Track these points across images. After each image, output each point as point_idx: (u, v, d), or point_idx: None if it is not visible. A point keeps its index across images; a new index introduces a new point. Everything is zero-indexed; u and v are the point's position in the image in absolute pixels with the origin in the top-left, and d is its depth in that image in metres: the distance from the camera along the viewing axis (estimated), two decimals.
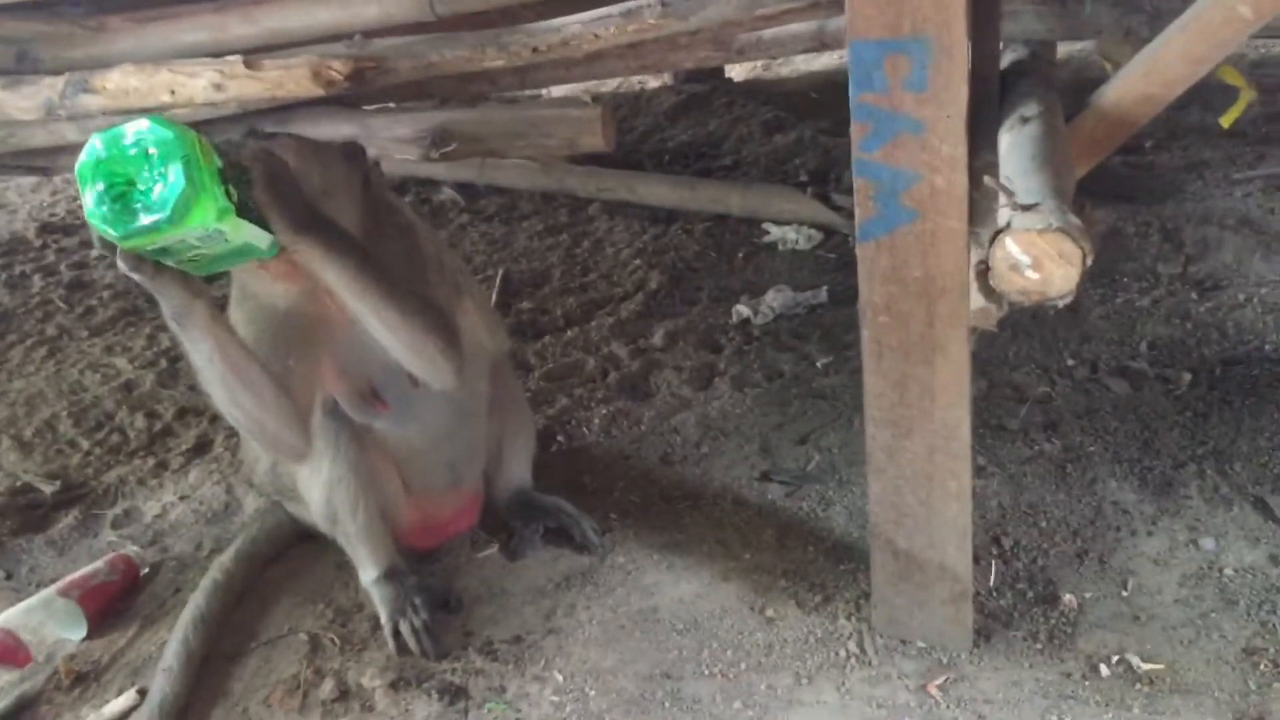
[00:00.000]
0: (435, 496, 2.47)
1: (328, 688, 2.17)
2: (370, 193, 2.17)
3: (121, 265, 1.75)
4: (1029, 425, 2.68)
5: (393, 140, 2.30)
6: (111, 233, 1.68)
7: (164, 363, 3.55)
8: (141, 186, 1.65)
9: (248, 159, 1.82)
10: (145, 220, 1.65)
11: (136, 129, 1.67)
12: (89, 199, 1.67)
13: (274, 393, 2.03)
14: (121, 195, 1.66)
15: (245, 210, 1.74)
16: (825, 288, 3.48)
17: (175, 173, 1.64)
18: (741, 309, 3.40)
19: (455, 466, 2.47)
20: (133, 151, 1.66)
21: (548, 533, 2.52)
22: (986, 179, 1.55)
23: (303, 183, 1.93)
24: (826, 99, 5.06)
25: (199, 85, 2.07)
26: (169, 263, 1.78)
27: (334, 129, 2.31)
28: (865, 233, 1.81)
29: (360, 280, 1.97)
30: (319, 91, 2.06)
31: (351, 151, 2.12)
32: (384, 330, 2.05)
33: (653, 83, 5.88)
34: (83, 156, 1.68)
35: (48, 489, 2.92)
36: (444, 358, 2.12)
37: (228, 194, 1.70)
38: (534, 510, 2.55)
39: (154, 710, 2.11)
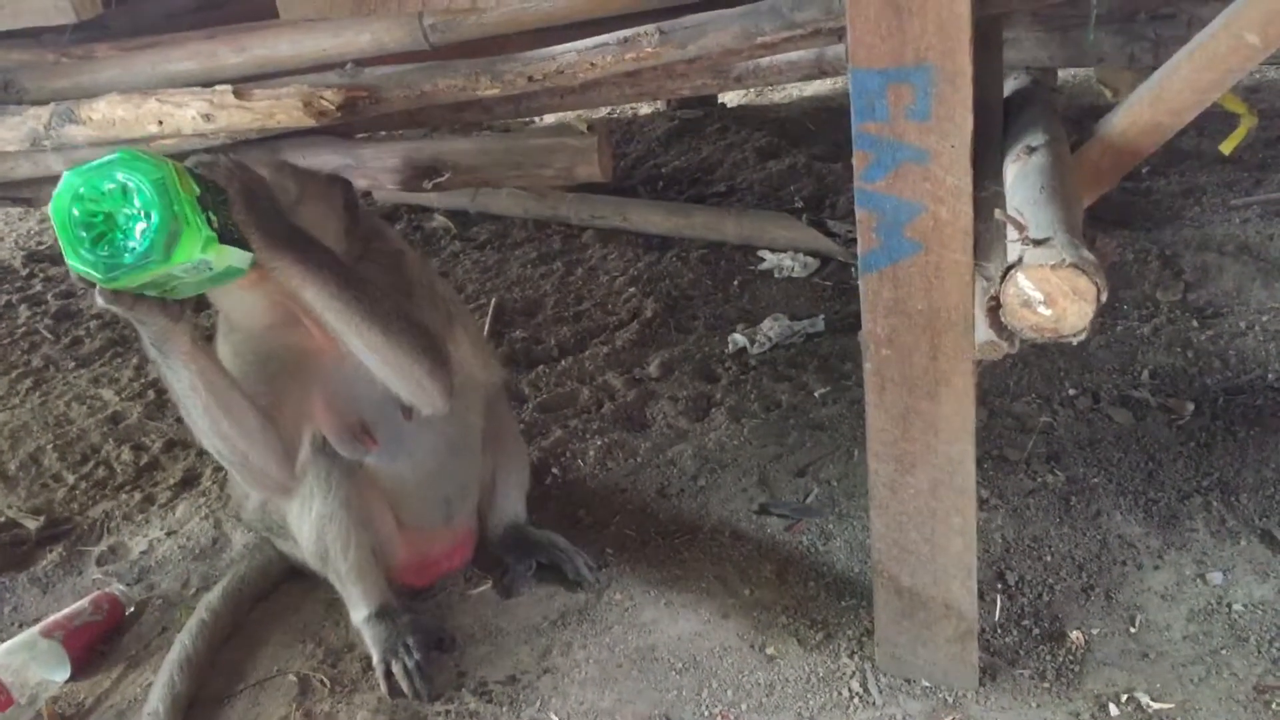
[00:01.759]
0: (428, 533, 2.42)
1: None
2: (355, 215, 2.13)
3: (99, 301, 1.69)
4: (1032, 456, 2.64)
5: (384, 171, 2.26)
6: (95, 275, 1.62)
7: (151, 394, 3.50)
8: (122, 225, 1.60)
9: (222, 177, 1.77)
10: (129, 261, 1.60)
11: (111, 163, 1.61)
12: (67, 241, 1.61)
13: (259, 424, 1.97)
14: (101, 235, 1.60)
15: (225, 234, 1.69)
16: (822, 316, 3.44)
17: (156, 209, 1.59)
18: (738, 338, 3.36)
19: (449, 502, 2.42)
20: (109, 187, 1.60)
21: (541, 569, 2.47)
22: (997, 212, 1.51)
23: (280, 196, 1.89)
24: (821, 124, 5.04)
25: (187, 115, 2.03)
26: (149, 293, 1.73)
27: (324, 159, 2.27)
28: (868, 264, 1.77)
29: (341, 298, 1.89)
30: (310, 122, 2.02)
31: (333, 175, 2.08)
32: (367, 351, 1.97)
33: (645, 109, 5.87)
34: (57, 193, 1.61)
35: (32, 525, 2.87)
36: (431, 379, 2.03)
37: (209, 221, 1.64)
38: (527, 546, 2.50)
39: None
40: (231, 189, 1.76)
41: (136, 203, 1.59)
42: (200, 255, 1.63)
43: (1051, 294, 1.41)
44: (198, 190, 1.65)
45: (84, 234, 1.60)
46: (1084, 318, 1.41)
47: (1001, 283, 1.44)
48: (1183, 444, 2.62)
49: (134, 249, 1.59)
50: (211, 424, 1.93)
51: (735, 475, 2.75)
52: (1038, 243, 1.42)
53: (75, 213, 1.61)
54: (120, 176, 1.60)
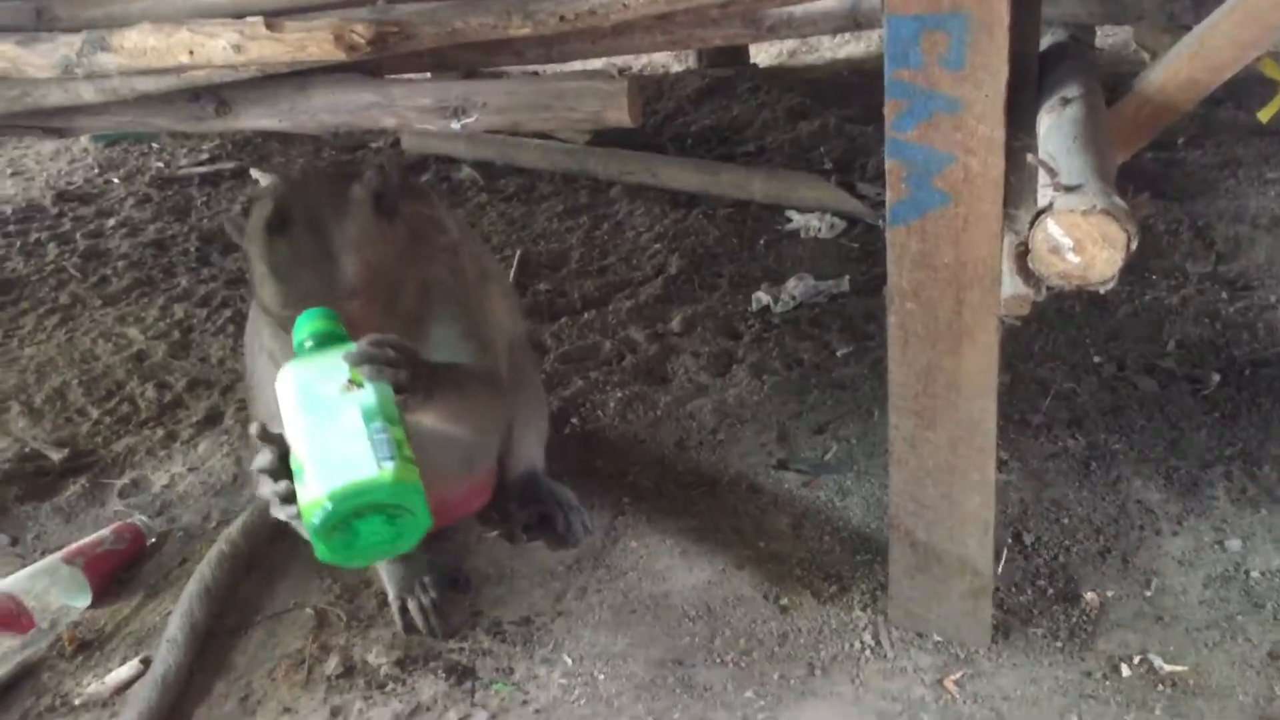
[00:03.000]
0: (447, 477, 2.43)
1: (333, 664, 2.14)
2: (403, 221, 2.05)
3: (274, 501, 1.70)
4: (1053, 421, 2.63)
5: (414, 110, 2.25)
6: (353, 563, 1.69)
7: (176, 334, 3.52)
8: (373, 536, 1.60)
9: (404, 368, 1.73)
10: (384, 555, 1.69)
11: (368, 489, 1.55)
12: (318, 547, 1.59)
13: None
14: (353, 543, 1.60)
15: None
16: (847, 277, 3.43)
17: (411, 521, 1.60)
18: (761, 296, 3.35)
19: (469, 448, 2.42)
20: (367, 511, 1.57)
21: (543, 520, 2.47)
22: (1029, 156, 1.50)
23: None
24: (854, 86, 4.99)
25: (218, 46, 2.02)
26: None
27: (354, 97, 2.26)
28: (895, 216, 1.76)
29: (455, 413, 1.98)
30: (340, 55, 2.01)
31: (379, 197, 1.97)
32: (452, 429, 2.04)
33: (677, 67, 5.84)
34: (318, 519, 1.55)
35: (56, 456, 2.90)
36: (496, 424, 2.27)
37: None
38: (535, 496, 2.50)
39: (157, 681, 2.08)
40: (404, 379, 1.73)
41: (394, 524, 1.60)
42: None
43: (1081, 240, 1.39)
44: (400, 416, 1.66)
45: (338, 544, 1.59)
46: (1113, 265, 1.39)
47: (1030, 228, 1.42)
48: (1206, 413, 2.60)
49: (389, 547, 1.64)
50: None
51: (754, 430, 2.75)
52: (1069, 189, 1.41)
53: (332, 530, 1.58)
54: (377, 503, 1.57)
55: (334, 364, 1.67)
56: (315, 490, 1.55)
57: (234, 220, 1.99)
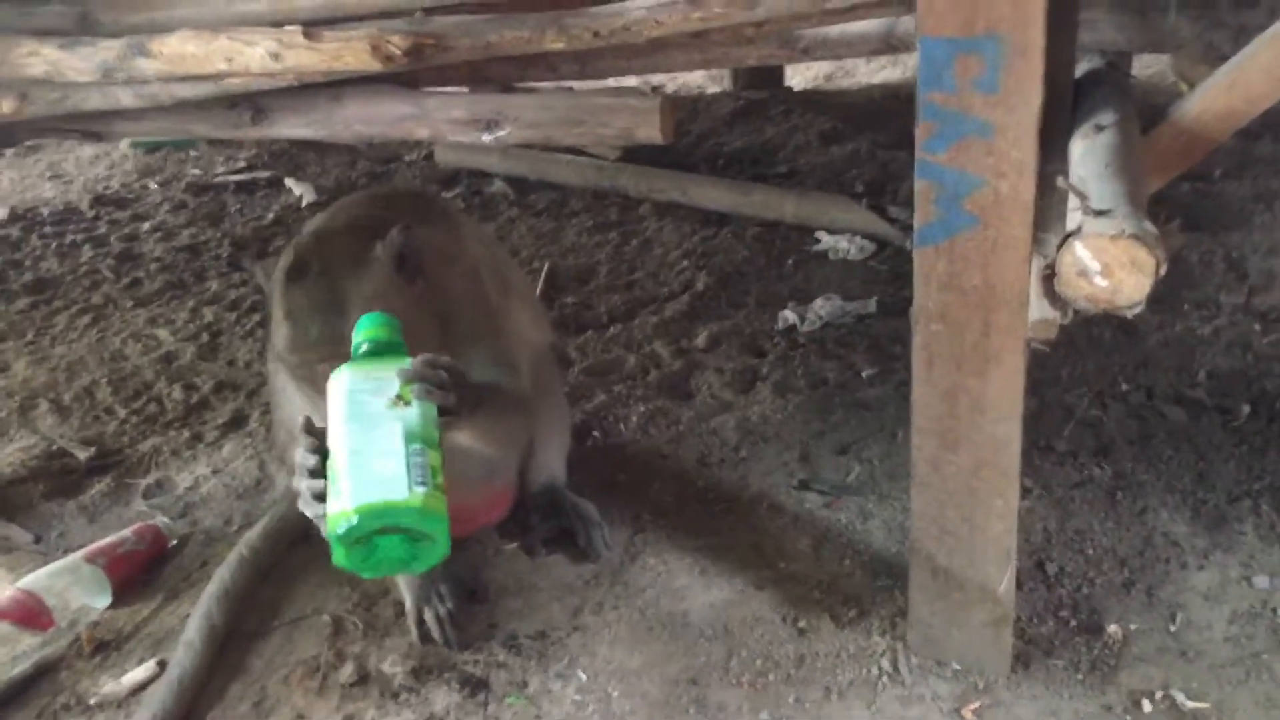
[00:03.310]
0: (467, 488, 2.43)
1: (348, 671, 2.14)
2: (423, 276, 2.07)
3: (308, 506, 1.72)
4: (1079, 448, 2.61)
5: (448, 122, 2.26)
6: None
7: (205, 336, 3.55)
8: (396, 551, 1.62)
9: (454, 408, 1.76)
10: (407, 570, 1.69)
11: (395, 512, 1.57)
12: (341, 559, 1.61)
13: None
14: (376, 556, 1.62)
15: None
16: (875, 298, 3.41)
17: (430, 547, 1.62)
18: (788, 315, 3.34)
19: (490, 462, 2.43)
20: (391, 530, 1.59)
21: (563, 534, 2.46)
22: (1060, 180, 1.49)
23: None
24: (888, 112, 4.98)
25: (256, 54, 2.04)
26: None
27: (389, 108, 2.28)
28: (923, 237, 1.75)
29: (487, 433, 2.13)
30: (376, 66, 2.03)
31: (401, 258, 2.00)
32: (479, 446, 2.18)
33: (712, 88, 5.85)
34: (340, 532, 1.57)
35: (82, 455, 2.92)
36: (516, 447, 2.38)
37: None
38: (554, 509, 2.50)
39: (173, 683, 2.09)
40: (452, 404, 1.75)
41: (417, 544, 1.61)
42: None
43: (1109, 265, 1.38)
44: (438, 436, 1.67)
45: (359, 554, 1.61)
46: (1140, 291, 1.38)
47: (1058, 251, 1.41)
48: (1236, 445, 2.57)
49: (411, 565, 1.65)
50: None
51: (777, 449, 2.74)
52: (1099, 213, 1.39)
53: (357, 546, 1.60)
54: (403, 523, 1.58)
55: (387, 376, 1.68)
56: (345, 501, 1.57)
57: (265, 267, 2.09)
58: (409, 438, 1.61)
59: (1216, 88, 1.69)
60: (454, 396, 1.73)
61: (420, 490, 1.57)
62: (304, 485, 1.70)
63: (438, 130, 2.27)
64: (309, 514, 1.71)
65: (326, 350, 1.86)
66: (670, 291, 3.61)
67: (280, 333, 1.94)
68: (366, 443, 1.61)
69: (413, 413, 1.65)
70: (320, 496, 1.64)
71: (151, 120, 2.41)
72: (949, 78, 1.63)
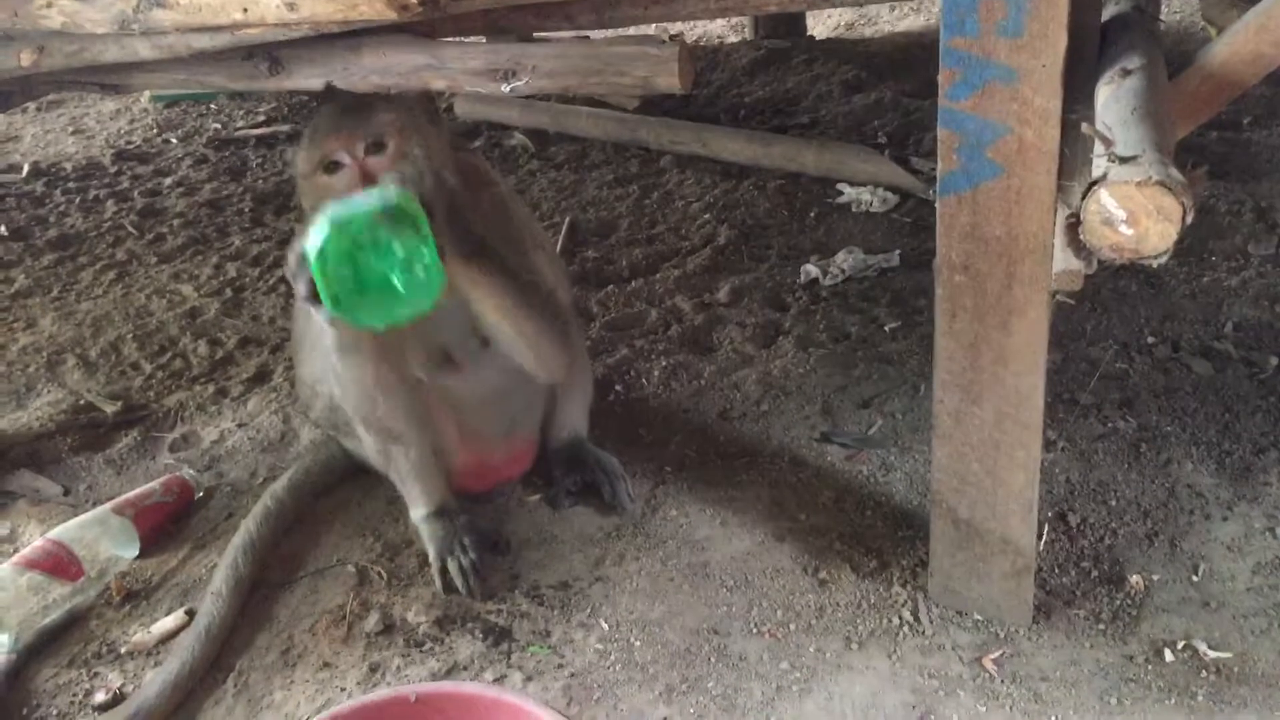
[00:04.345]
0: (490, 442, 2.45)
1: (373, 620, 2.16)
2: (456, 156, 2.15)
3: (300, 291, 1.78)
4: (1103, 401, 2.59)
5: (465, 73, 2.24)
6: (372, 325, 1.73)
7: (229, 292, 3.57)
8: (391, 279, 1.64)
9: (431, 195, 1.81)
10: (399, 313, 1.70)
11: (370, 212, 1.64)
12: (328, 290, 1.65)
13: (406, 400, 2.22)
14: (367, 287, 1.65)
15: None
16: (898, 251, 3.39)
17: (421, 262, 1.64)
18: (810, 268, 3.33)
19: (513, 415, 2.44)
20: (367, 237, 1.63)
21: (587, 487, 2.47)
22: (1084, 125, 1.46)
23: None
24: (911, 58, 4.92)
25: (271, 4, 2.02)
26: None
27: (405, 58, 2.26)
28: (946, 187, 1.73)
29: (507, 301, 2.06)
30: (392, 15, 2.01)
31: (434, 115, 2.12)
32: (513, 336, 2.14)
33: (732, 38, 5.79)
34: (319, 244, 1.63)
35: (109, 409, 2.95)
36: (556, 361, 2.24)
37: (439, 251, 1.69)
38: (579, 463, 2.51)
39: (201, 632, 2.12)
40: (438, 208, 1.80)
41: (401, 254, 1.63)
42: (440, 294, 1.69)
43: (1134, 212, 1.36)
44: (424, 217, 1.69)
45: (349, 283, 1.64)
46: (1166, 239, 1.36)
47: (1083, 199, 1.39)
48: (1263, 398, 2.55)
49: (403, 301, 1.67)
50: (371, 407, 2.21)
51: (799, 403, 2.74)
52: (1124, 160, 1.37)
53: (338, 265, 1.64)
54: (378, 221, 1.63)
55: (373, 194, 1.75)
56: (320, 227, 1.65)
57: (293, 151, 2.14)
58: (384, 193, 1.71)
59: (1245, 31, 1.66)
60: (429, 182, 1.83)
61: (393, 195, 1.66)
62: (299, 284, 1.77)
63: (455, 81, 2.25)
64: (301, 295, 1.77)
65: (343, 141, 1.97)
66: (691, 245, 3.60)
67: (301, 153, 2.04)
68: (345, 204, 1.71)
69: (390, 190, 1.73)
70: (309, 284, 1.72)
71: (169, 72, 2.41)
72: (972, 22, 1.60)
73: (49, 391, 3.07)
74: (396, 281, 1.66)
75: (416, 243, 1.64)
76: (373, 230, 1.64)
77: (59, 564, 2.29)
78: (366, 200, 1.71)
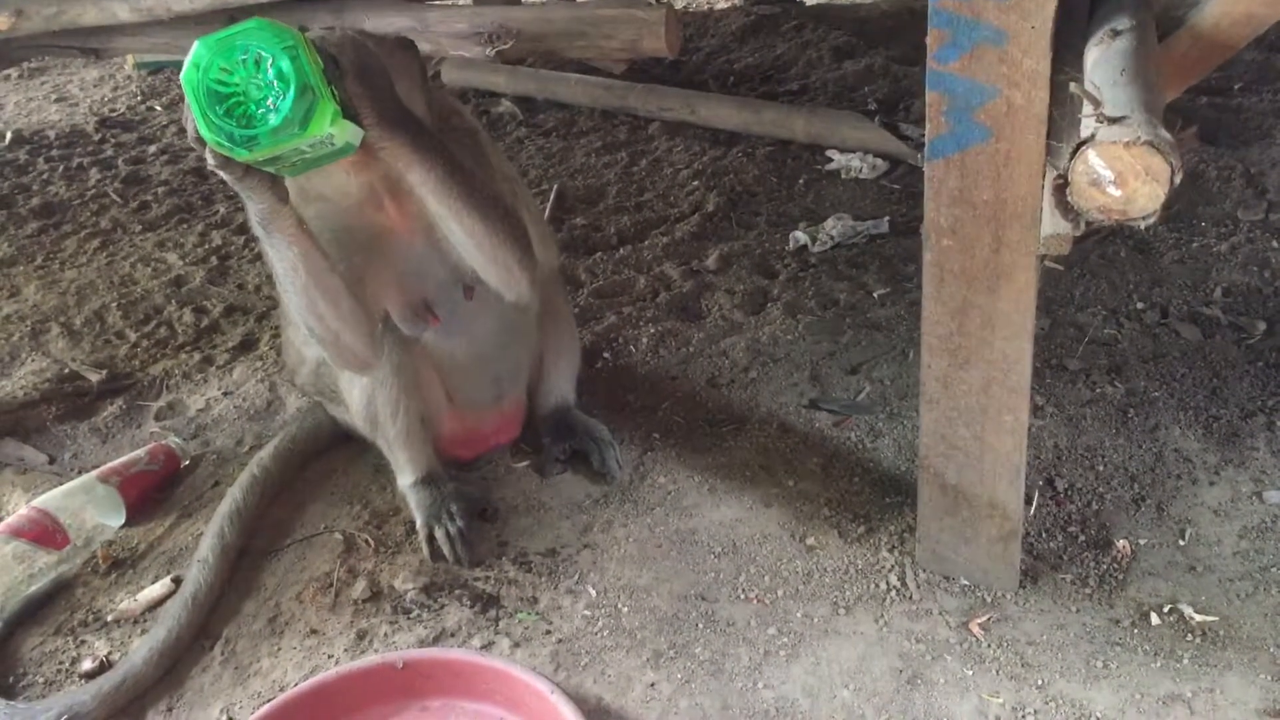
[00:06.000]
0: (477, 408, 2.44)
1: (360, 587, 2.16)
2: (429, 90, 2.10)
3: (210, 162, 1.71)
4: (1091, 367, 2.59)
5: (449, 36, 2.23)
6: (227, 147, 1.62)
7: (214, 260, 3.55)
8: (255, 97, 1.58)
9: (336, 48, 1.75)
10: (266, 132, 1.59)
11: (244, 32, 1.59)
12: (200, 111, 1.60)
13: (351, 305, 2.02)
14: (236, 107, 1.59)
15: (345, 109, 1.68)
16: (887, 218, 3.38)
17: (293, 81, 1.58)
18: (799, 235, 3.31)
19: (499, 380, 2.43)
20: (242, 59, 1.58)
21: (576, 455, 2.47)
22: (1073, 85, 1.45)
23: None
24: (902, 24, 4.89)
25: None
26: (267, 169, 1.73)
27: (391, 21, 2.24)
28: (934, 150, 1.71)
29: (447, 182, 1.91)
30: None
31: (407, 42, 2.05)
32: (463, 235, 2.00)
33: (721, 3, 5.74)
34: (188, 63, 1.60)
35: (94, 378, 2.93)
36: (521, 267, 2.08)
37: (333, 94, 1.63)
38: (568, 430, 2.50)
39: (187, 600, 2.12)
40: (346, 62, 1.74)
41: (270, 74, 1.58)
42: (329, 129, 1.63)
43: (1122, 173, 1.35)
44: (321, 63, 1.64)
45: (218, 105, 1.59)
46: (1155, 200, 1.35)
47: (1071, 160, 1.38)
48: (1250, 363, 2.55)
49: (271, 121, 1.59)
50: (309, 303, 1.98)
51: (787, 369, 2.73)
52: (1112, 120, 1.36)
53: (207, 84, 1.60)
54: (251, 45, 1.58)
55: None
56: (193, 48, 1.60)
57: None
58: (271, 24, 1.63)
59: None
60: (349, 49, 1.74)
61: (278, 26, 1.60)
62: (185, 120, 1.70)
63: (439, 44, 2.24)
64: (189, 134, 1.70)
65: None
66: (680, 212, 3.58)
67: None
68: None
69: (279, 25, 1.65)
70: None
71: (150, 36, 2.38)
72: None
73: (33, 360, 3.05)
74: (253, 95, 1.60)
75: (291, 70, 1.58)
76: (245, 53, 1.59)
77: (44, 532, 2.28)
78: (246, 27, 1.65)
